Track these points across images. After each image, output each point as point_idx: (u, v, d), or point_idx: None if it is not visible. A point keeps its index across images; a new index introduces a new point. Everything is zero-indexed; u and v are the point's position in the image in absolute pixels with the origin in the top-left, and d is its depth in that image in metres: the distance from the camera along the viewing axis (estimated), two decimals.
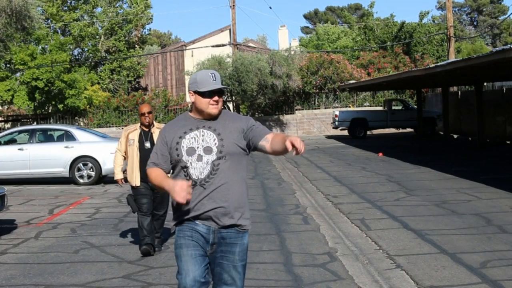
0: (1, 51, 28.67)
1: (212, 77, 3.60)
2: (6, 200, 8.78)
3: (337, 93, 34.06)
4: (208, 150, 3.55)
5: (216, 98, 3.59)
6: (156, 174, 3.63)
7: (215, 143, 3.55)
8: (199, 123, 3.63)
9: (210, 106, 3.58)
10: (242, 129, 3.60)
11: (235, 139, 3.57)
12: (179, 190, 3.39)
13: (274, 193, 11.71)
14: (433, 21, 43.94)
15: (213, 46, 31.76)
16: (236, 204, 3.56)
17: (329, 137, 30.38)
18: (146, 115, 7.04)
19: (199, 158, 3.54)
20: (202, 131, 3.59)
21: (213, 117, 3.62)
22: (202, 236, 3.55)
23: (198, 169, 3.53)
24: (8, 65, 31.38)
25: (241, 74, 28.94)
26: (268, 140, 3.55)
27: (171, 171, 3.74)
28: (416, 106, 28.25)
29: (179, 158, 3.57)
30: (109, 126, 31.01)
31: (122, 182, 7.48)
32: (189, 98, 3.66)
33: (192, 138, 3.58)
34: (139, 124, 7.22)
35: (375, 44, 39.81)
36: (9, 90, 29.51)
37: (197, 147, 3.56)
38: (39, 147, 14.84)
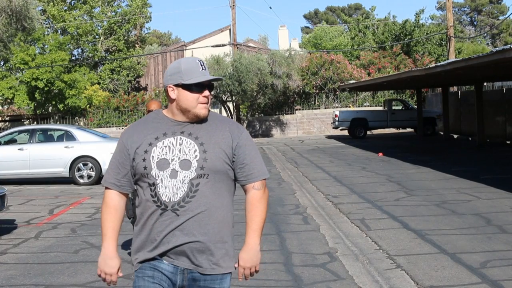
0: (1, 51, 28.69)
1: (201, 65, 2.77)
2: (6, 200, 8.79)
3: (337, 93, 34.10)
4: (185, 165, 2.71)
5: (206, 93, 2.76)
6: (107, 212, 2.80)
7: (196, 156, 2.71)
8: (177, 127, 2.78)
9: (199, 105, 2.75)
10: (231, 143, 2.79)
11: (221, 153, 2.75)
12: (103, 266, 2.76)
13: (274, 193, 11.71)
14: (431, 19, 44.12)
15: (213, 46, 31.77)
16: (217, 238, 2.74)
17: (329, 137, 30.38)
18: None
19: (173, 174, 2.70)
20: (180, 138, 2.75)
21: (200, 120, 2.80)
22: (167, 277, 2.74)
23: (171, 188, 2.70)
24: (9, 64, 31.39)
25: (241, 74, 28.96)
26: (251, 193, 2.85)
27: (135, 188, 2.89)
28: (416, 106, 28.27)
29: (147, 172, 2.72)
30: (109, 126, 31.03)
31: None
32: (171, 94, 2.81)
33: (166, 146, 2.73)
34: None
35: (373, 43, 39.83)
36: (10, 88, 29.54)
37: (172, 160, 2.71)
38: (39, 147, 14.84)
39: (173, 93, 2.77)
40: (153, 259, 2.74)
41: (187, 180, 2.70)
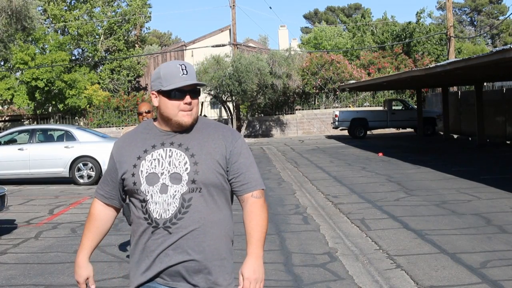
0: (1, 50, 28.68)
1: (182, 70, 2.55)
2: (6, 200, 8.79)
3: (337, 93, 34.10)
4: (176, 178, 2.51)
5: (188, 99, 2.53)
6: (89, 221, 2.74)
7: (186, 169, 2.51)
8: (166, 138, 2.59)
9: (181, 112, 2.53)
10: (224, 152, 2.58)
11: (214, 164, 2.54)
12: (74, 273, 2.73)
13: (274, 193, 11.71)
14: (429, 17, 44.31)
15: (213, 46, 31.77)
16: (215, 256, 2.54)
17: (329, 137, 30.38)
18: (144, 114, 6.35)
19: (164, 189, 2.51)
20: (170, 150, 2.55)
21: (184, 128, 2.59)
22: None
23: (162, 204, 2.50)
24: (8, 64, 31.41)
25: (241, 74, 28.95)
26: (250, 202, 2.63)
27: (129, 200, 2.72)
28: (416, 106, 28.27)
29: (136, 188, 2.54)
30: (109, 126, 31.03)
31: None
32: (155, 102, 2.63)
33: (155, 159, 2.54)
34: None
35: (373, 43, 39.85)
36: (9, 89, 29.57)
37: (162, 173, 2.52)
38: (39, 147, 14.84)
39: (156, 100, 2.59)
40: (148, 281, 2.55)
41: (178, 195, 2.50)
